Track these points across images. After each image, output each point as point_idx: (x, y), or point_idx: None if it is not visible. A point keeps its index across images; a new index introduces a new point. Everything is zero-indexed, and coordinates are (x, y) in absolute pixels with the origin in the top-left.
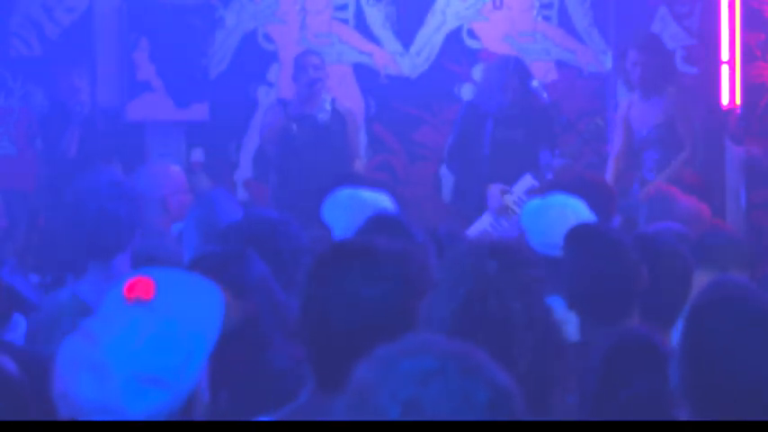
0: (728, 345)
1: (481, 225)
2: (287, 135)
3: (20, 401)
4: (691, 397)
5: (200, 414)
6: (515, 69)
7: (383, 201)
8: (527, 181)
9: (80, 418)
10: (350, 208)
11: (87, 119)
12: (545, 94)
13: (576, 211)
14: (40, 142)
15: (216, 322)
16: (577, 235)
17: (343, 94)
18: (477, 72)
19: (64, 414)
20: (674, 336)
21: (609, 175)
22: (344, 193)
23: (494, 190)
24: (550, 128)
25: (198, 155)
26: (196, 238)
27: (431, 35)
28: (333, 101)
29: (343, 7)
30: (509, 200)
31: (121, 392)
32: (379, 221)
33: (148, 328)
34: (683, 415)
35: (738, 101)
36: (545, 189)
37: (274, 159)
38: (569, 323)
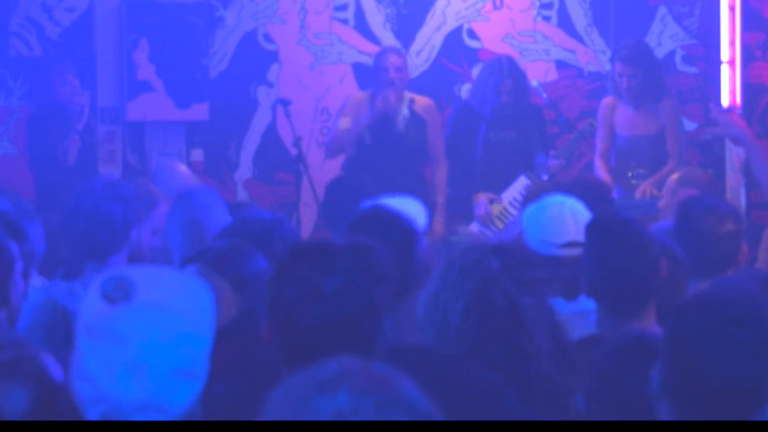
0: (711, 346)
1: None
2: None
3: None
4: (672, 397)
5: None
6: (509, 71)
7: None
8: (522, 182)
9: (116, 419)
10: None
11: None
12: (545, 95)
13: (573, 210)
14: (31, 143)
15: (213, 311)
16: (600, 226)
17: (343, 94)
18: (477, 72)
19: (95, 418)
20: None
21: (599, 173)
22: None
23: (481, 199)
24: (544, 129)
25: (198, 155)
26: (180, 237)
27: (431, 35)
28: (411, 101)
29: (343, 7)
30: (497, 208)
31: (164, 389)
32: (367, 216)
33: (173, 324)
34: (664, 415)
35: (738, 101)
36: (544, 191)
37: (349, 160)
38: (584, 317)
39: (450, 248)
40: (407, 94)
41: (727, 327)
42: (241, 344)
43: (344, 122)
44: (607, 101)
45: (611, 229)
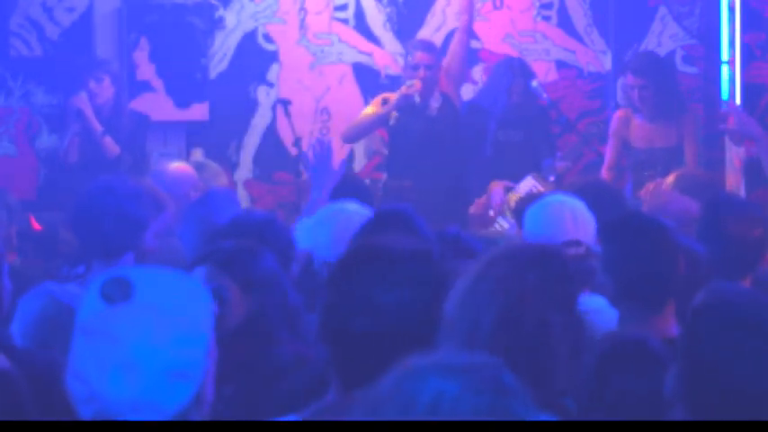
0: (727, 349)
1: None
2: (393, 126)
3: (17, 398)
4: (686, 399)
5: (204, 411)
6: (520, 71)
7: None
8: (529, 183)
9: (109, 419)
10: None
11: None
12: (545, 95)
13: (573, 209)
14: (45, 140)
15: (211, 314)
16: (619, 224)
17: (343, 94)
18: (478, 72)
19: (88, 417)
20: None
21: None
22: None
23: (497, 188)
24: (552, 129)
25: (198, 155)
26: (195, 238)
27: (431, 35)
28: (443, 93)
29: (343, 7)
30: (513, 198)
31: (156, 389)
32: (386, 217)
33: (168, 326)
34: (678, 416)
35: (738, 101)
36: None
37: (387, 151)
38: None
39: (486, 250)
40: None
41: (739, 330)
42: (250, 346)
43: (368, 110)
44: (620, 113)
45: (630, 227)
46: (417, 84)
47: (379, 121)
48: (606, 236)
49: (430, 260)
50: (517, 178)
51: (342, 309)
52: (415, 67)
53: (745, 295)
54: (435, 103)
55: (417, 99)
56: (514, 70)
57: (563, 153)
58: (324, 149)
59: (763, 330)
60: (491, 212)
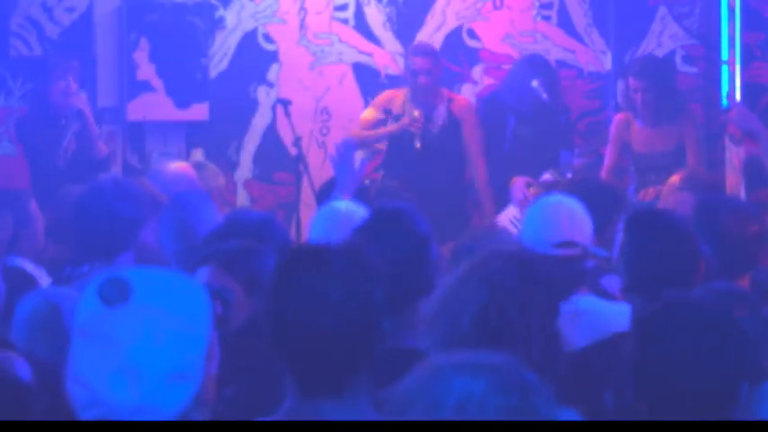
0: (679, 348)
1: (505, 217)
2: (394, 135)
3: (26, 408)
4: (644, 398)
5: (205, 412)
6: (544, 68)
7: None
8: (547, 179)
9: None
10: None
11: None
12: (545, 94)
13: (570, 209)
14: (29, 143)
15: (209, 313)
16: (642, 219)
17: (343, 94)
18: (478, 72)
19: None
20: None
21: None
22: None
23: (518, 183)
24: (570, 127)
25: (198, 155)
26: (171, 240)
27: (431, 35)
28: (449, 101)
29: (343, 7)
30: (533, 192)
31: (157, 391)
32: (383, 215)
33: (167, 326)
34: (644, 416)
35: (738, 100)
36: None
37: (385, 156)
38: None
39: (474, 250)
40: (446, 93)
41: (695, 330)
42: (252, 347)
43: (368, 114)
44: (620, 117)
45: (654, 222)
46: (420, 118)
47: (381, 139)
48: (633, 228)
49: (360, 258)
50: (535, 172)
51: (291, 309)
52: (415, 74)
53: (701, 294)
54: (439, 119)
55: (418, 145)
56: (538, 68)
57: (581, 150)
58: (347, 149)
59: (718, 326)
60: (512, 206)
